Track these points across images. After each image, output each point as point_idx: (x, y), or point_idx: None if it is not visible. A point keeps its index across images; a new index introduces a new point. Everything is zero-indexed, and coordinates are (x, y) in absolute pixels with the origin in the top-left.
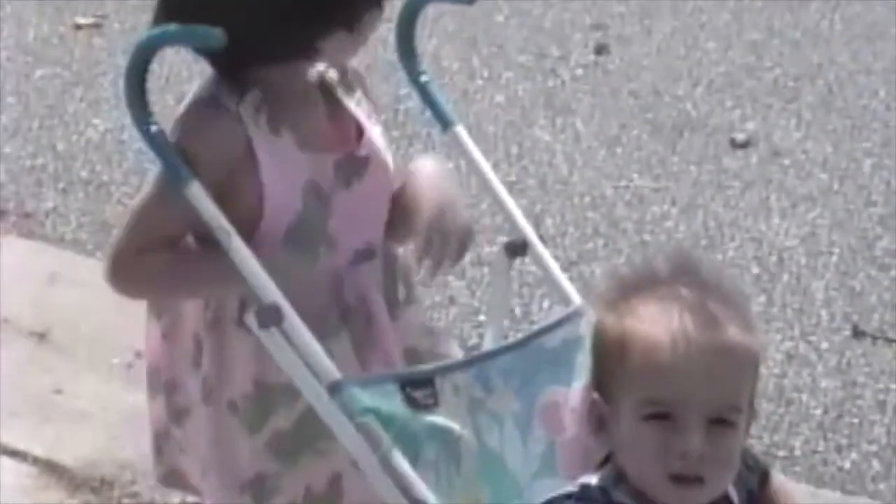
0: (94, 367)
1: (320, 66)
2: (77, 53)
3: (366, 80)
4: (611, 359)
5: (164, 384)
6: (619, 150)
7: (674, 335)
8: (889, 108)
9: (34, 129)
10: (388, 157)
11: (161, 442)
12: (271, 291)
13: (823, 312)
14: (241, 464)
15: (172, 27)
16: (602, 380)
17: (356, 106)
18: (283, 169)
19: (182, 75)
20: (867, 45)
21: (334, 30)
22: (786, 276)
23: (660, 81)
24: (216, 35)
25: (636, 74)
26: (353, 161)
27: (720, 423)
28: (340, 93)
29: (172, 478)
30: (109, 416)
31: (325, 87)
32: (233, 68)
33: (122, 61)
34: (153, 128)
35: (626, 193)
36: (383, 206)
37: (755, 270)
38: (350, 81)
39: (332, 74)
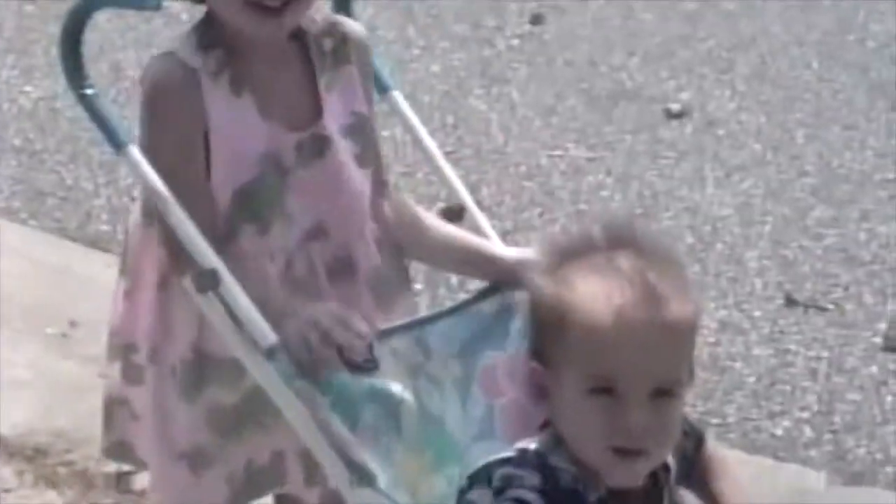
0: (29, 336)
1: (312, 24)
2: (9, 21)
3: (370, 53)
4: (550, 329)
5: (123, 347)
6: (554, 119)
7: (615, 310)
8: (821, 80)
9: None
10: (352, 143)
11: (113, 409)
12: (209, 256)
13: (757, 281)
14: (178, 431)
15: None
16: (541, 348)
17: (333, 79)
18: (239, 131)
19: (116, 44)
20: (800, 16)
21: None
22: (720, 246)
23: (595, 51)
24: None
25: (572, 44)
26: (317, 139)
27: (663, 394)
28: (320, 61)
29: (119, 450)
30: (45, 385)
31: (306, 51)
32: (203, 21)
33: (55, 29)
34: (89, 91)
35: (561, 163)
36: (339, 186)
37: (689, 240)
38: (346, 52)
39: (326, 42)
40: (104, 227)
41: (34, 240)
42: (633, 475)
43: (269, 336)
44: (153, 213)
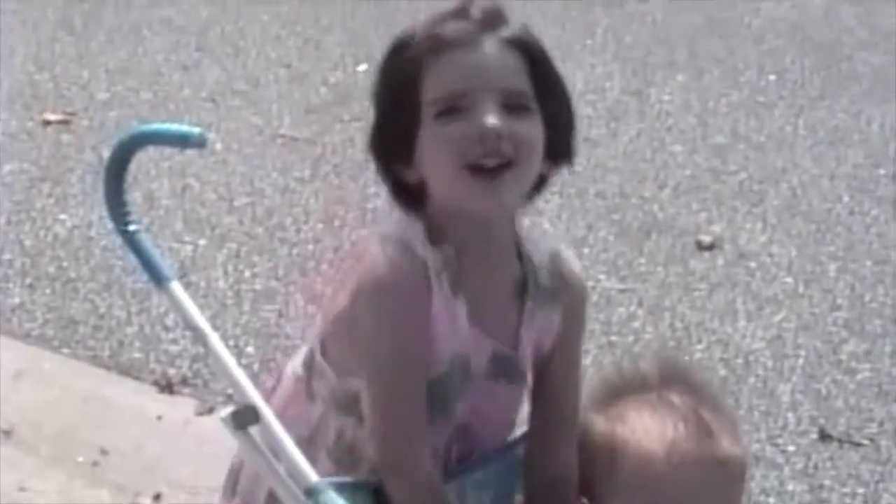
0: (58, 464)
1: (535, 251)
2: (45, 149)
3: (584, 299)
4: (600, 464)
5: None
6: (586, 250)
7: (668, 445)
8: (852, 213)
9: (1, 225)
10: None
11: None
12: (250, 393)
13: (790, 415)
14: None
15: (152, 126)
16: (590, 483)
17: (537, 314)
18: (448, 332)
19: (151, 173)
20: (830, 150)
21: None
22: (752, 379)
23: (626, 183)
24: (196, 134)
25: (602, 176)
26: (511, 361)
27: None
28: (534, 291)
29: None
30: None
31: (524, 277)
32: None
33: (91, 157)
34: (132, 227)
35: (593, 294)
36: (507, 420)
37: (722, 372)
38: (560, 293)
39: (544, 275)
40: (137, 355)
41: (66, 367)
42: None
43: (309, 474)
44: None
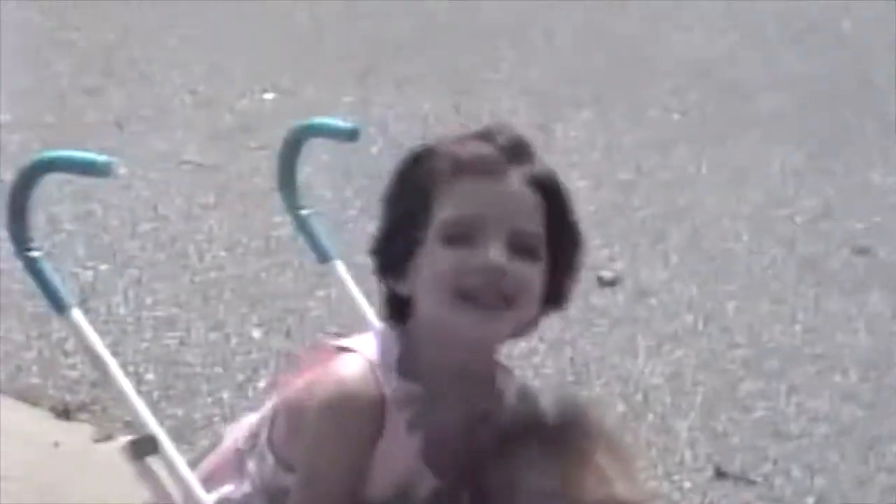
0: None
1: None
2: None
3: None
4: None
5: None
6: None
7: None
8: (752, 252)
9: None
10: None
11: None
12: (150, 423)
13: (687, 452)
14: None
15: (58, 153)
16: None
17: None
18: (394, 465)
19: (53, 196)
20: (732, 189)
21: None
22: (651, 415)
23: None
24: (102, 163)
25: None
26: (452, 498)
27: None
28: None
29: None
30: None
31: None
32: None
33: None
34: (34, 254)
35: None
36: None
37: (621, 408)
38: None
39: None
40: (34, 380)
41: None
42: None
43: (205, 500)
44: None
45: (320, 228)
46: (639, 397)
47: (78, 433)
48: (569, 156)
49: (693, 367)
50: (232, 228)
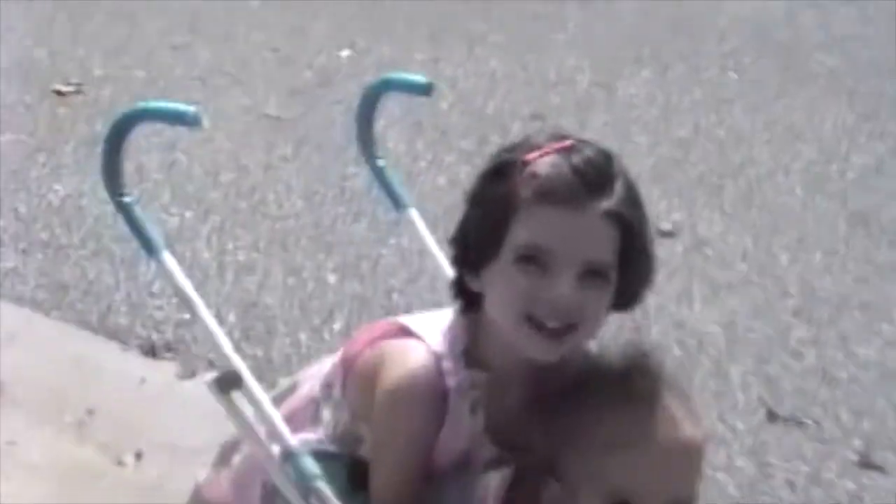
0: (47, 422)
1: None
2: (41, 122)
3: None
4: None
5: None
6: None
7: (635, 435)
8: (805, 207)
9: None
10: None
11: None
12: (233, 359)
13: (740, 396)
14: None
15: (149, 104)
16: (559, 466)
17: None
18: (461, 442)
19: (141, 146)
20: (786, 146)
21: None
22: (706, 360)
23: None
24: (192, 114)
25: None
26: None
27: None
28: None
29: None
30: (59, 469)
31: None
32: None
33: (84, 129)
34: (126, 199)
35: None
36: None
37: (677, 353)
38: None
39: None
40: (123, 320)
41: (56, 330)
42: None
43: (287, 439)
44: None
45: (394, 178)
46: (694, 343)
47: (163, 370)
48: (629, 112)
49: (746, 315)
50: (309, 178)
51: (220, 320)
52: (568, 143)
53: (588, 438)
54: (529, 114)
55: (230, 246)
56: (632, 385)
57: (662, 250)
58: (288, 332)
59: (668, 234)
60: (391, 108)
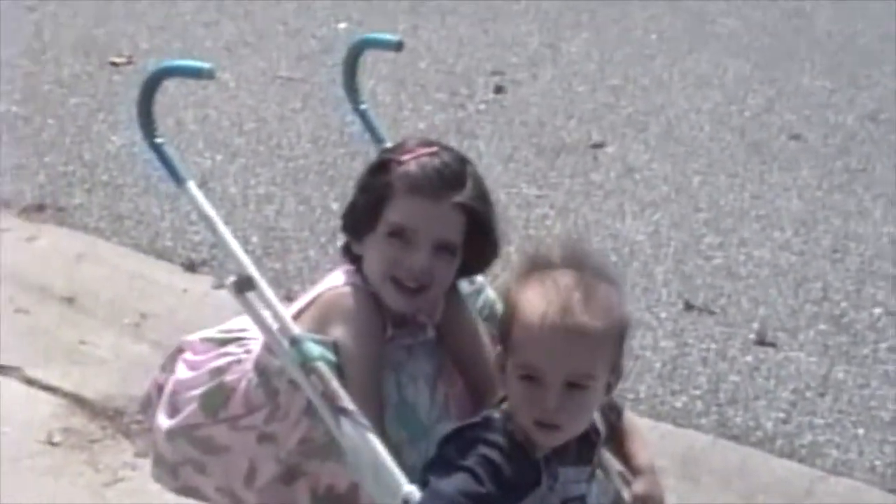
0: (110, 325)
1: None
2: (101, 87)
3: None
4: (507, 322)
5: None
6: (511, 165)
7: (540, 315)
8: (712, 139)
9: (67, 144)
10: None
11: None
12: (247, 266)
13: (663, 291)
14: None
15: (172, 62)
16: (504, 336)
17: None
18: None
19: (179, 104)
20: (697, 92)
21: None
22: (635, 263)
23: (543, 114)
24: (207, 68)
25: (525, 109)
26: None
27: (575, 385)
28: None
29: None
30: (121, 362)
31: None
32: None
33: (135, 92)
34: (158, 140)
35: (517, 198)
36: None
37: (613, 259)
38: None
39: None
40: (168, 243)
41: (115, 252)
42: (553, 441)
43: (293, 328)
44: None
45: (375, 118)
46: (626, 250)
47: (200, 282)
48: (572, 67)
49: (667, 227)
50: (315, 126)
51: (245, 241)
52: (434, 149)
53: (511, 313)
54: (491, 70)
55: (252, 182)
56: (556, 276)
57: (599, 176)
58: (300, 250)
59: (604, 163)
60: (380, 68)
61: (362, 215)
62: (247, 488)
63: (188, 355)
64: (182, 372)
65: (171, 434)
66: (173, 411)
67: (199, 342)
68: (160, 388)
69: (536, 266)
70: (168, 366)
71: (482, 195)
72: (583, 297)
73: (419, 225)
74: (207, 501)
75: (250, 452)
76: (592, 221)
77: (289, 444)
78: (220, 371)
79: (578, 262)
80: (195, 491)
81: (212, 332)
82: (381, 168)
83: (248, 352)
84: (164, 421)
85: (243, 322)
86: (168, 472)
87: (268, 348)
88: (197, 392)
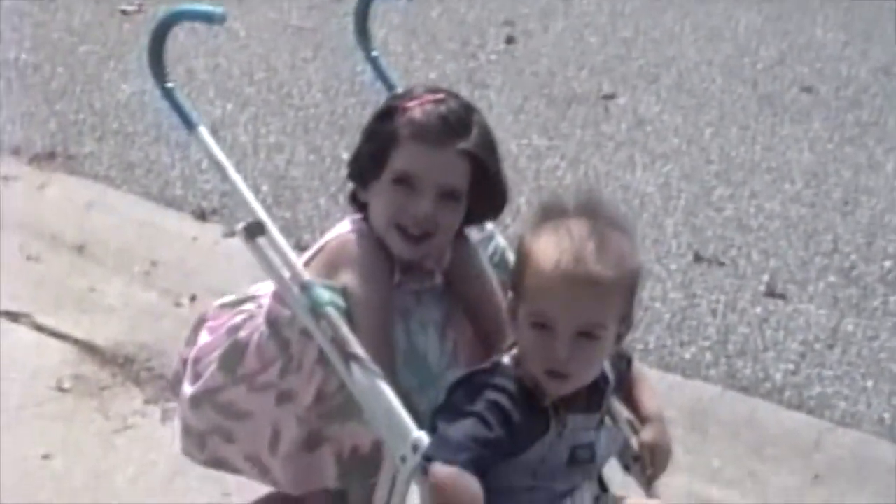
0: (119, 273)
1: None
2: (112, 35)
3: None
4: (520, 270)
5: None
6: (522, 116)
7: (553, 263)
8: (724, 91)
9: (77, 93)
10: None
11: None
12: (258, 211)
13: (673, 242)
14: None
15: (183, 7)
16: (516, 284)
17: None
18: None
19: (190, 54)
20: (708, 44)
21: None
22: (645, 215)
23: (554, 65)
24: (218, 13)
25: (536, 60)
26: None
27: (585, 335)
28: None
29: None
30: (131, 310)
31: None
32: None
33: (145, 40)
34: (169, 85)
35: (527, 149)
36: None
37: (623, 210)
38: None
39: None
40: (178, 192)
41: (125, 200)
42: (562, 390)
43: (303, 274)
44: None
45: (387, 66)
46: (637, 202)
47: (210, 230)
48: (583, 18)
49: (678, 178)
50: (326, 76)
51: (256, 190)
52: (440, 95)
53: (524, 260)
54: (502, 20)
55: (263, 130)
56: (569, 224)
57: (610, 127)
58: (310, 199)
59: (615, 114)
60: (391, 17)
61: (367, 162)
62: (272, 455)
63: (210, 323)
64: (203, 338)
65: (195, 401)
66: (196, 378)
67: (217, 308)
68: (185, 363)
69: (550, 214)
70: (191, 339)
71: (488, 143)
72: (596, 247)
73: (423, 172)
74: (235, 473)
75: (271, 415)
76: (603, 172)
77: (306, 400)
78: (235, 329)
79: (592, 210)
80: (223, 462)
81: (229, 298)
82: (387, 115)
83: (260, 307)
84: (187, 389)
85: (259, 289)
86: (196, 443)
87: (278, 299)
88: (216, 354)
